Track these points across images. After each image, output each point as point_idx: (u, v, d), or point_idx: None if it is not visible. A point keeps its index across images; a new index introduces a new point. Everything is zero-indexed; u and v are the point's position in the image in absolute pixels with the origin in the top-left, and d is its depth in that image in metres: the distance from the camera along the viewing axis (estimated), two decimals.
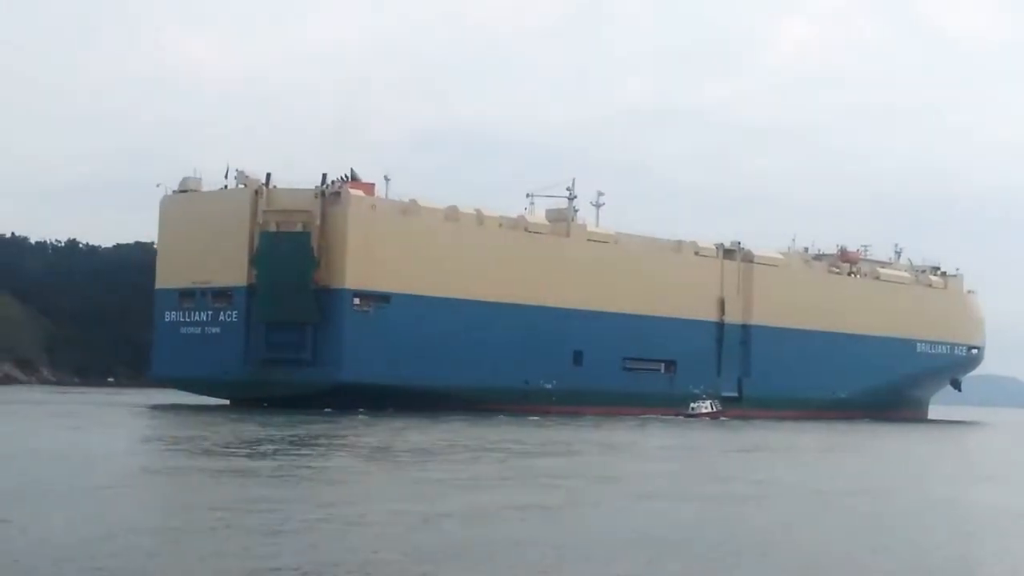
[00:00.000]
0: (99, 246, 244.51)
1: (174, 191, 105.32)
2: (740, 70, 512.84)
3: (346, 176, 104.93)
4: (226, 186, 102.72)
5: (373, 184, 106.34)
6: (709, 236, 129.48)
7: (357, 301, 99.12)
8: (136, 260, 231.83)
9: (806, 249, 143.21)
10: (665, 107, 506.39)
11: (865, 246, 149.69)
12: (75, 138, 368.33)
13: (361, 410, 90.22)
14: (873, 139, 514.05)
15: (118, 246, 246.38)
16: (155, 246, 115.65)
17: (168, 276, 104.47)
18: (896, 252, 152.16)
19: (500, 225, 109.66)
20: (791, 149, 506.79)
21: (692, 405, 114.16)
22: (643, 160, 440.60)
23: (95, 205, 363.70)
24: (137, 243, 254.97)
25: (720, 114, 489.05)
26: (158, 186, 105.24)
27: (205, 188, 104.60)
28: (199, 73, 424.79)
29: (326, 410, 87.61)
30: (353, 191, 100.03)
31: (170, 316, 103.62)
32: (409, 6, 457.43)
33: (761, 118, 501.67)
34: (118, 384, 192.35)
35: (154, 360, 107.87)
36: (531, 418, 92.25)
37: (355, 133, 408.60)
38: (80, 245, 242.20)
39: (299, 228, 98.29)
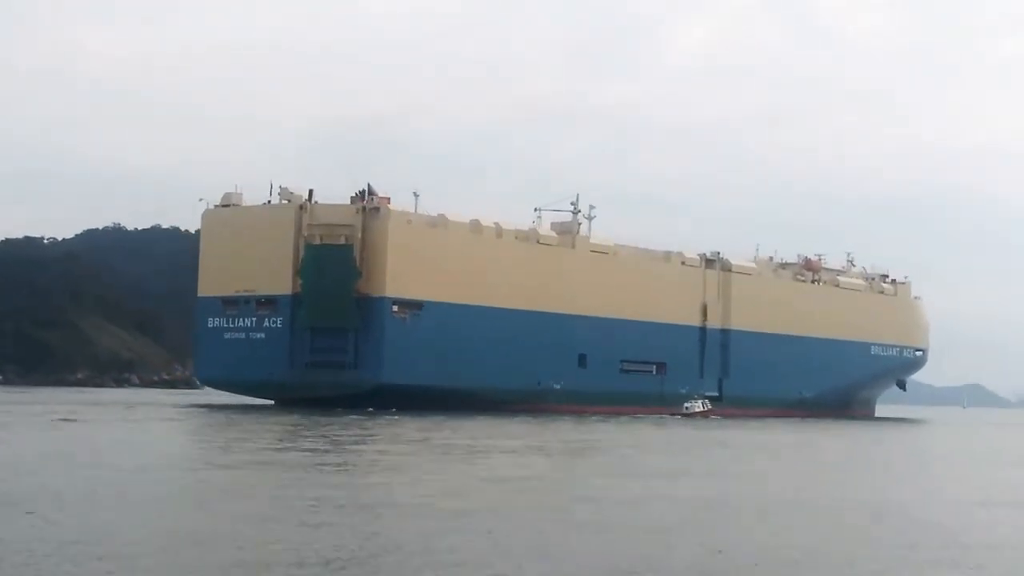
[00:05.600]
0: None
1: (216, 205, 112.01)
2: (639, 70, 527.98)
3: (364, 191, 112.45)
4: (269, 201, 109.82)
5: (388, 198, 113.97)
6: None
7: (395, 308, 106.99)
8: (25, 256, 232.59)
9: (771, 258, 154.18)
10: (567, 105, 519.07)
11: (820, 255, 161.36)
12: None
13: (393, 410, 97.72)
14: (772, 140, 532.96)
15: (6, 241, 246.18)
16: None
17: (211, 285, 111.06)
18: (849, 261, 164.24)
19: (516, 237, 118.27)
20: (690, 150, 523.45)
21: (686, 405, 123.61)
22: (545, 158, 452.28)
23: None
24: (27, 238, 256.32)
25: (622, 113, 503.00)
26: (200, 200, 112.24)
27: (246, 203, 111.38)
28: (93, 67, 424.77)
29: (393, 410, 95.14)
30: (392, 207, 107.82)
31: (213, 322, 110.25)
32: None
33: (661, 119, 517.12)
34: (8, 383, 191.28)
35: (198, 363, 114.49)
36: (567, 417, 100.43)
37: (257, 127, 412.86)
38: None
39: (342, 241, 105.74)
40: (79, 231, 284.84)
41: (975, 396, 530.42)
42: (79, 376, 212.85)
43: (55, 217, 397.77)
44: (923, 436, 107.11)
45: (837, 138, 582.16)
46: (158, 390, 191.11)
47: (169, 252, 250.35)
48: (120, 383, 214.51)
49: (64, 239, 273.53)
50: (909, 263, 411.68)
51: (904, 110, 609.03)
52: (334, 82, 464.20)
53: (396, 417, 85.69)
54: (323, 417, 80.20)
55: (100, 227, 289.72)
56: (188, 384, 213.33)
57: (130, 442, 53.41)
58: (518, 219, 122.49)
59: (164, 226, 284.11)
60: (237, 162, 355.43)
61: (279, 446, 52.80)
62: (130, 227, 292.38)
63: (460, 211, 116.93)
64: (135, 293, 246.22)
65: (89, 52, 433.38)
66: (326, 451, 49.86)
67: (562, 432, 74.86)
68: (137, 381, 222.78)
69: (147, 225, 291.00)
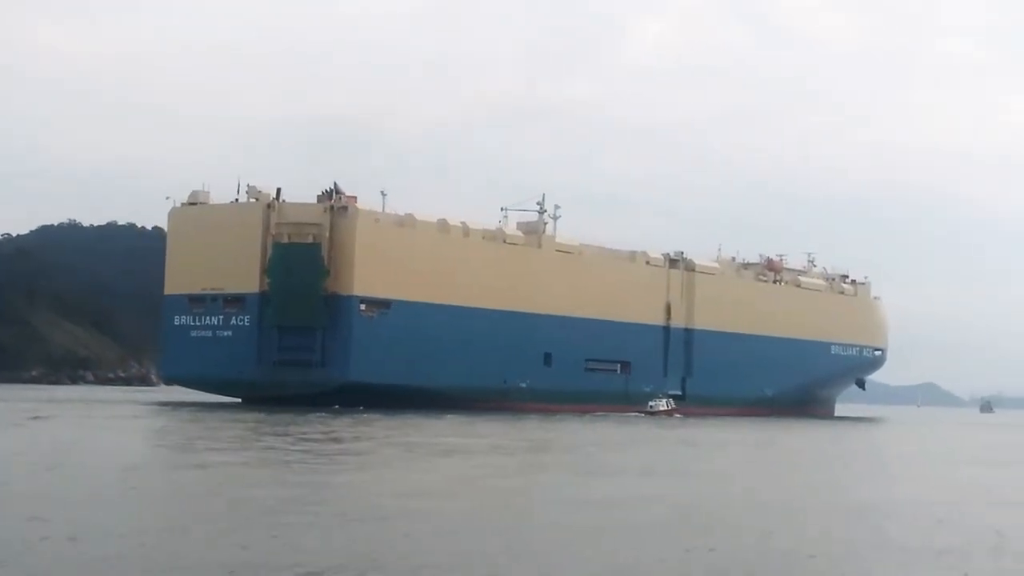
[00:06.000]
0: None
1: (183, 203, 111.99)
2: (603, 69, 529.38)
3: (330, 190, 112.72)
4: (236, 199, 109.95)
5: (355, 196, 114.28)
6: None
7: (363, 307, 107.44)
8: None
9: (733, 258, 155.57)
10: (531, 105, 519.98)
11: (781, 255, 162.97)
12: None
13: (360, 408, 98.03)
14: (734, 139, 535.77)
15: None
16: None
17: (177, 283, 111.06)
18: (810, 261, 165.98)
19: (483, 237, 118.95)
20: (652, 149, 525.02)
21: (650, 403, 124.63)
22: (510, 158, 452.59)
23: None
24: None
25: (586, 113, 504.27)
26: (167, 199, 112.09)
27: (213, 201, 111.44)
28: (49, 63, 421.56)
29: (360, 408, 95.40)
30: (360, 206, 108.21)
31: (180, 320, 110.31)
32: None
33: (623, 118, 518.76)
34: None
35: (164, 361, 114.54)
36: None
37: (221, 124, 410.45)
38: None
39: (310, 240, 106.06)
40: (34, 227, 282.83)
41: (930, 395, 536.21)
42: (33, 373, 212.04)
43: (9, 213, 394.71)
44: (881, 435, 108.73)
45: (802, 139, 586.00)
46: (114, 388, 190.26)
47: (126, 249, 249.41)
48: (75, 380, 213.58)
49: (19, 235, 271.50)
50: (870, 263, 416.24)
51: (868, 110, 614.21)
52: (301, 81, 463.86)
53: (363, 415, 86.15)
54: (289, 415, 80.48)
55: (55, 223, 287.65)
56: (144, 381, 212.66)
57: (99, 440, 53.68)
58: (484, 218, 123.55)
59: (120, 223, 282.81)
60: (196, 159, 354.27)
61: (244, 445, 53.18)
62: (86, 223, 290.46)
63: (427, 210, 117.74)
64: (90, 290, 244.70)
65: (46, 48, 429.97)
66: (290, 449, 50.24)
67: (528, 431, 75.65)
68: (92, 378, 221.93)
69: (103, 222, 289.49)
